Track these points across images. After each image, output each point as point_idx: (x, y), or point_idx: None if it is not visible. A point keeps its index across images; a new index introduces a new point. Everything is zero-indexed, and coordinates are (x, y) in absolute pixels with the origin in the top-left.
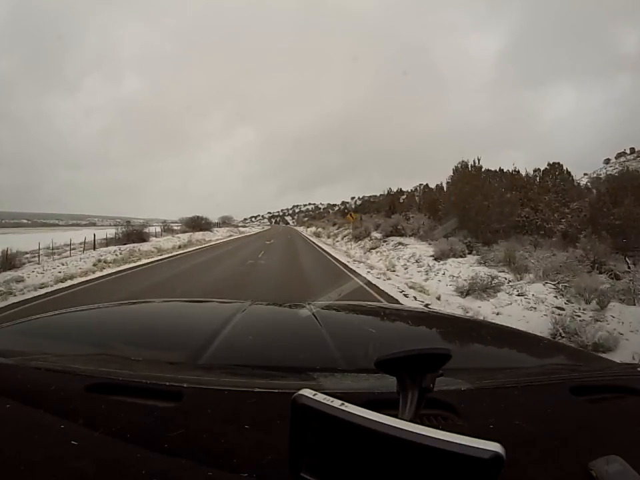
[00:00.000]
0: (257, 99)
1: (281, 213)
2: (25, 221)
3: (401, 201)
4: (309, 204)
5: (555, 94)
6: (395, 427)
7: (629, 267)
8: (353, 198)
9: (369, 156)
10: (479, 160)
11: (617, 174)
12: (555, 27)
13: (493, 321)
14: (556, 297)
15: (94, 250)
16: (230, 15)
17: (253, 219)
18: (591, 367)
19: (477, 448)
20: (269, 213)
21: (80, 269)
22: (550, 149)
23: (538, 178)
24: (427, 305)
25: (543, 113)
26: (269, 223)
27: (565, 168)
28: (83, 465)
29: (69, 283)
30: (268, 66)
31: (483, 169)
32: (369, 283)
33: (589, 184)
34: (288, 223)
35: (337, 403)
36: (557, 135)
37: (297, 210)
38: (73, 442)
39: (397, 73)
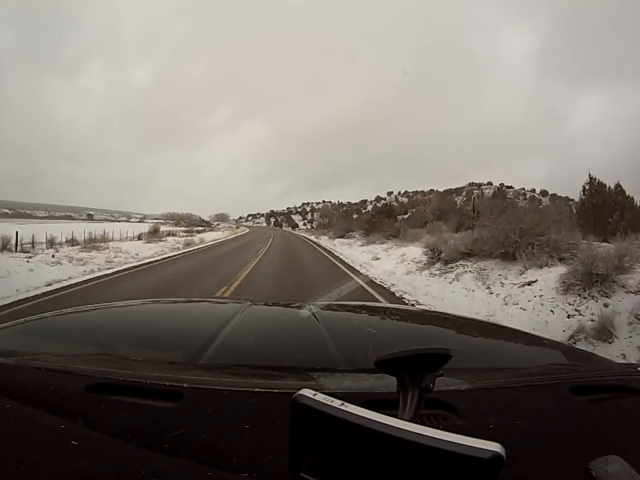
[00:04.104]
0: (267, 95)
1: (286, 211)
2: (6, 211)
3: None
4: (323, 202)
5: (586, 100)
6: (395, 427)
7: None
8: (390, 193)
9: (384, 157)
10: None
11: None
12: (592, 24)
13: (494, 321)
14: None
15: None
16: None
17: (251, 217)
18: (591, 367)
19: (477, 448)
20: (272, 210)
21: None
22: (579, 159)
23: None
24: None
25: (572, 120)
26: (265, 224)
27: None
28: (83, 465)
29: None
30: (280, 58)
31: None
32: None
33: None
34: (297, 226)
35: (337, 402)
36: (589, 144)
37: (307, 208)
38: (73, 442)
39: (417, 71)
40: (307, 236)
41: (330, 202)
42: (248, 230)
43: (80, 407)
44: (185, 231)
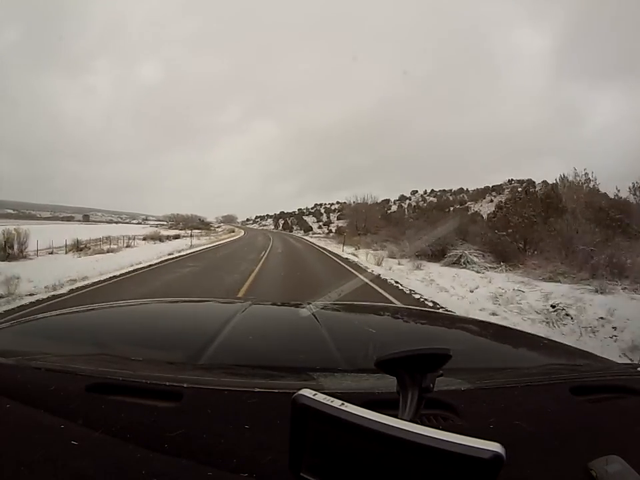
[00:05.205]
0: (278, 95)
1: (297, 212)
2: (10, 211)
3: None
4: (337, 202)
5: (604, 98)
6: (395, 427)
7: None
8: (415, 192)
9: (398, 158)
10: None
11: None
12: (611, 19)
13: (494, 321)
14: None
15: None
16: None
17: (259, 219)
18: (591, 367)
19: (477, 448)
20: (281, 212)
21: None
22: (596, 159)
23: None
24: None
25: (590, 118)
26: (272, 226)
27: None
28: (83, 465)
29: None
30: (292, 58)
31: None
32: None
33: None
34: (311, 229)
35: (337, 402)
36: (606, 143)
37: (321, 209)
38: (73, 442)
39: (433, 71)
40: (341, 253)
41: (345, 202)
42: (242, 234)
43: (80, 407)
44: (153, 238)
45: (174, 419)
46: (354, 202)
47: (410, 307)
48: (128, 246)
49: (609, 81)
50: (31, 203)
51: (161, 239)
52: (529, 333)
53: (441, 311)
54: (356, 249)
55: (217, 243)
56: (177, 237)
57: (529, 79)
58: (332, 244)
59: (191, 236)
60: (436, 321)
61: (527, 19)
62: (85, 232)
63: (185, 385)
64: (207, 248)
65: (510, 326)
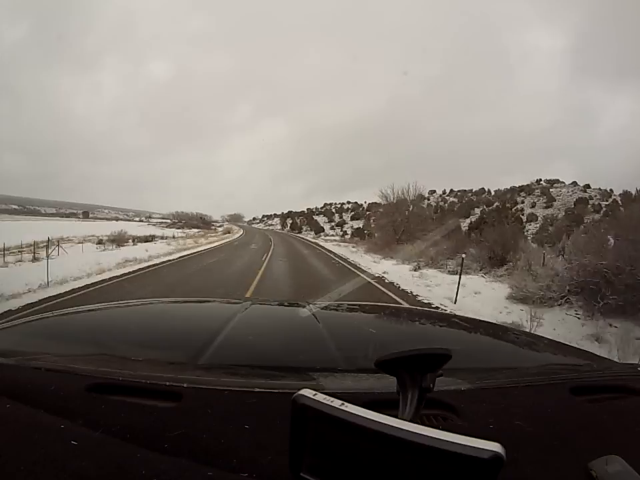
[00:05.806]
0: (288, 95)
1: (306, 212)
2: (15, 207)
3: None
4: (347, 202)
5: (619, 98)
6: (394, 427)
7: None
8: (433, 192)
9: (407, 159)
10: None
11: None
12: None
13: (494, 321)
14: None
15: None
16: None
17: (265, 218)
18: (591, 367)
19: (477, 448)
20: (289, 211)
21: None
22: (609, 158)
23: None
24: None
25: (604, 119)
26: (279, 226)
27: None
28: (83, 465)
29: None
30: (302, 58)
31: None
32: None
33: None
34: (322, 230)
35: (337, 402)
36: (621, 144)
37: (331, 209)
38: (72, 442)
39: (442, 72)
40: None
41: (356, 202)
42: (237, 236)
43: (80, 407)
44: (114, 241)
45: (174, 418)
46: (391, 195)
47: (410, 307)
48: (35, 259)
49: (624, 83)
50: (38, 199)
51: (120, 243)
52: (529, 333)
53: (440, 311)
54: (415, 269)
55: (180, 254)
56: (148, 239)
57: (544, 79)
58: (361, 254)
59: (173, 237)
60: (436, 321)
61: (540, 20)
62: (52, 231)
63: (185, 385)
64: (112, 279)
65: (510, 326)
